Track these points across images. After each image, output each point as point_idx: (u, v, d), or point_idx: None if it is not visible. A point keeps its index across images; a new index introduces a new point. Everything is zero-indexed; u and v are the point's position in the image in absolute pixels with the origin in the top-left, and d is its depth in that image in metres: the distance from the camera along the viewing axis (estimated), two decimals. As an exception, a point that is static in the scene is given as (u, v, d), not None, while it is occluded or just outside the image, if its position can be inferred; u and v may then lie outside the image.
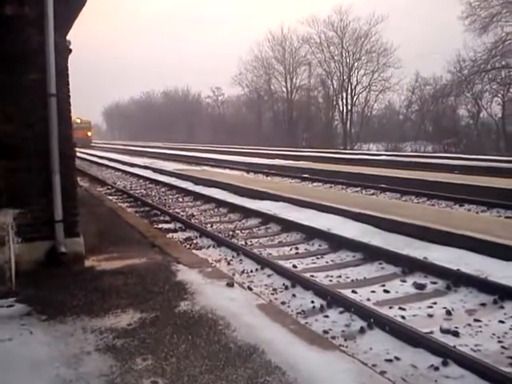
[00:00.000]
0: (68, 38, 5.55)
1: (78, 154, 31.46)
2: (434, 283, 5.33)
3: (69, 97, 5.11)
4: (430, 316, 4.51)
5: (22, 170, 4.77)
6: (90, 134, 59.96)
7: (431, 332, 4.05)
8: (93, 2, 5.56)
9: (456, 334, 4.06)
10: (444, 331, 4.09)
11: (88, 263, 5.14)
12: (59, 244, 4.91)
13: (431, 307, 4.70)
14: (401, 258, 6.04)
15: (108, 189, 15.53)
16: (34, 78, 4.82)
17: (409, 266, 5.79)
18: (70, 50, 6.07)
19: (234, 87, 54.76)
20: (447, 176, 14.47)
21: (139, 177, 19.01)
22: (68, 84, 5.11)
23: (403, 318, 4.43)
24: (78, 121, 54.68)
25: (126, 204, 12.02)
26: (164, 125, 71.31)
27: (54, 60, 4.80)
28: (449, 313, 4.54)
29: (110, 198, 12.77)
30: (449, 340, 3.89)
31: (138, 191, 14.92)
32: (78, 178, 13.60)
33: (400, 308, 4.69)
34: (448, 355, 3.53)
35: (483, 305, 4.71)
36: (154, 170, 20.79)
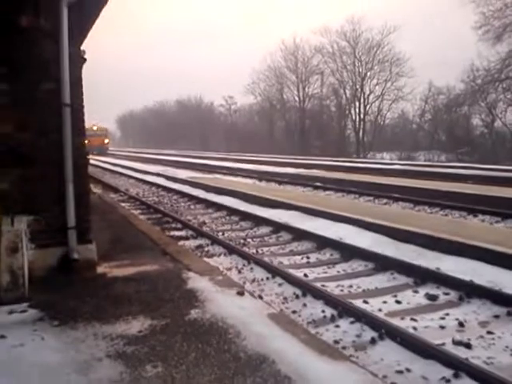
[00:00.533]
0: (82, 47, 5.65)
1: (92, 162, 31.70)
2: (447, 294, 5.28)
3: (82, 106, 5.18)
4: (442, 327, 4.46)
5: (36, 178, 4.83)
6: (106, 141, 58.90)
7: (443, 344, 4.01)
8: (105, 12, 5.64)
9: (468, 346, 4.01)
10: (456, 343, 4.04)
11: (100, 270, 5.18)
12: (72, 250, 4.96)
13: (443, 318, 4.65)
14: (413, 268, 5.99)
15: (121, 196, 15.66)
16: (48, 88, 4.89)
17: (421, 276, 5.75)
18: (85, 60, 6.16)
19: (247, 96, 55.03)
20: (461, 186, 14.36)
21: (152, 184, 19.13)
22: (82, 94, 5.18)
23: (415, 329, 4.39)
24: (95, 128, 54.16)
25: (138, 211, 12.09)
26: (177, 133, 71.75)
27: (68, 70, 4.87)
28: (461, 324, 4.49)
29: (123, 204, 12.87)
30: (461, 352, 3.85)
31: (150, 198, 15.02)
32: (92, 185, 13.72)
33: (412, 319, 4.65)
34: (460, 367, 3.49)
35: (496, 317, 4.65)
36: (167, 178, 20.91)
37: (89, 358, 3.14)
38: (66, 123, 4.91)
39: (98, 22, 6.19)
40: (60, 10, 4.78)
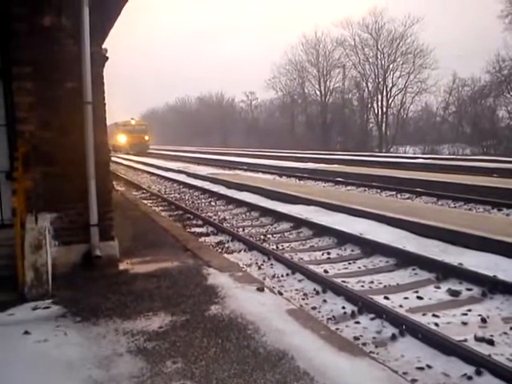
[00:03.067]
0: (104, 45, 5.72)
1: (114, 159, 32.02)
2: (470, 290, 5.20)
3: (104, 104, 5.25)
4: (465, 323, 4.40)
5: (59, 175, 4.92)
6: (147, 138, 48.14)
7: (465, 340, 3.95)
8: (127, 11, 5.70)
9: (491, 342, 3.95)
10: (478, 339, 3.99)
11: (122, 266, 5.26)
12: (94, 247, 5.05)
13: (466, 314, 4.59)
14: (435, 263, 5.91)
15: (143, 193, 15.82)
16: (70, 87, 4.98)
17: (443, 272, 5.67)
18: (107, 58, 6.24)
19: (268, 91, 55.09)
20: (485, 179, 14.11)
21: (173, 181, 19.28)
22: (104, 92, 5.25)
23: (436, 325, 4.34)
24: (133, 122, 46.69)
25: (159, 208, 12.20)
26: (199, 129, 72.08)
27: (89, 69, 4.94)
28: (484, 320, 4.42)
29: (145, 201, 13.00)
30: (483, 349, 3.79)
31: (171, 195, 15.14)
32: (114, 183, 13.90)
33: (433, 315, 4.60)
34: (482, 364, 3.44)
35: (520, 313, 4.57)
36: (188, 175, 21.03)
37: (110, 354, 3.20)
38: (87, 121, 4.99)
39: (118, 21, 6.26)
40: (81, 10, 4.85)
